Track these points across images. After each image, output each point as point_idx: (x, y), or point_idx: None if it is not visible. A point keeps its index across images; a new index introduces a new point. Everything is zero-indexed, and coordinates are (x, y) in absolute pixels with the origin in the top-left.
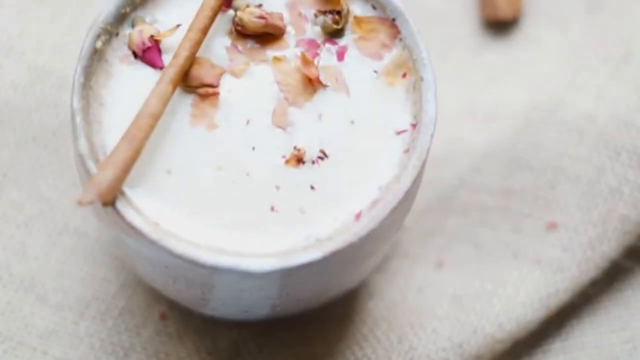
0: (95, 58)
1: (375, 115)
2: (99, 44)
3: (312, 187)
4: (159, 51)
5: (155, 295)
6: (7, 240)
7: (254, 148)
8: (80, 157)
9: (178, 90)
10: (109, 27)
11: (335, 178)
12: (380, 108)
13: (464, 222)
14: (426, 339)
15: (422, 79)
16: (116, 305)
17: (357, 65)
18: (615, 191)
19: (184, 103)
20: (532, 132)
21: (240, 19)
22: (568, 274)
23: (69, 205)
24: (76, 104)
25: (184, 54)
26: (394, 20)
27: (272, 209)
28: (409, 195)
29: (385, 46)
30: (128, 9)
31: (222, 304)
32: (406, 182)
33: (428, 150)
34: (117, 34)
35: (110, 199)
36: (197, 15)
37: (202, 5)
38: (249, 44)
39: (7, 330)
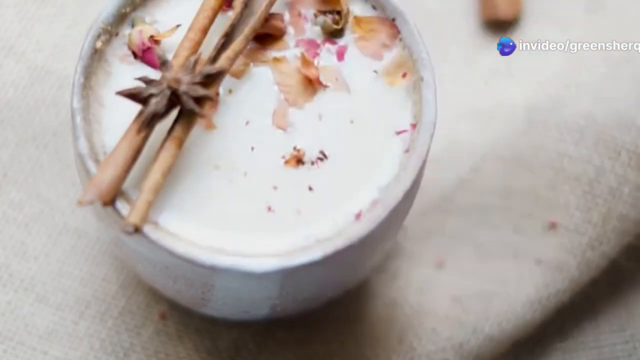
0: (95, 58)
1: (375, 115)
2: (99, 44)
3: (310, 188)
4: None
5: (155, 295)
6: (7, 240)
7: (252, 148)
8: (80, 157)
9: None
10: (109, 27)
11: (335, 178)
12: (380, 108)
13: (464, 222)
14: (426, 339)
15: (422, 79)
16: (116, 305)
17: (357, 65)
18: (615, 191)
19: None
20: (532, 132)
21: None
22: (568, 274)
23: (69, 205)
24: (76, 104)
25: (184, 54)
26: (394, 20)
27: (269, 209)
28: (409, 196)
29: (385, 46)
30: (128, 9)
31: (222, 304)
32: (406, 182)
33: (428, 150)
34: (117, 34)
35: (110, 199)
36: (197, 15)
37: (202, 5)
38: (249, 44)
39: (7, 330)
